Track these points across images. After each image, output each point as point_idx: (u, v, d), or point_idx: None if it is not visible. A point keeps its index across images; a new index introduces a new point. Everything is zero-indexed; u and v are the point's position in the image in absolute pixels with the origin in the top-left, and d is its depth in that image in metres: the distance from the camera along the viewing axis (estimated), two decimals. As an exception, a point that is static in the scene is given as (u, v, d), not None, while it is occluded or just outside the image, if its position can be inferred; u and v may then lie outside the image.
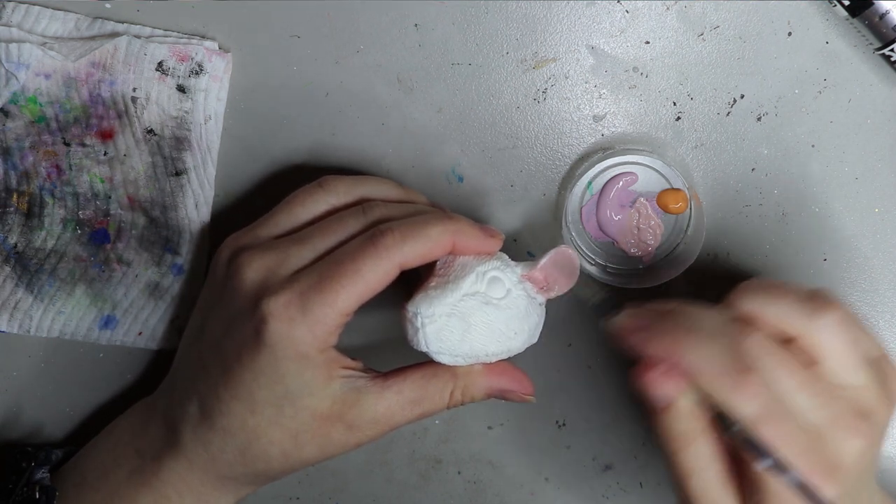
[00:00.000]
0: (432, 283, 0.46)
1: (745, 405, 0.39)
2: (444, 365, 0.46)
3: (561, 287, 0.48)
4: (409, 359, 0.47)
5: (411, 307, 0.45)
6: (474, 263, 0.46)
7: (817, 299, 0.42)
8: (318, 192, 0.48)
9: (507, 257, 0.48)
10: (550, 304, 0.54)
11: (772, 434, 0.39)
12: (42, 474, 0.51)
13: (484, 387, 0.48)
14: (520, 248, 0.55)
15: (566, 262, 0.47)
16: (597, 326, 0.44)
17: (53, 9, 0.52)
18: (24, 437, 0.57)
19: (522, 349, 0.47)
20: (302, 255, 0.45)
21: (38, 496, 0.49)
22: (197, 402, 0.47)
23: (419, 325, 0.45)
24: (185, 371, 0.49)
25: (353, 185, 0.48)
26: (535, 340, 0.48)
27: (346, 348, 0.46)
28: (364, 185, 0.49)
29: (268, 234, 0.48)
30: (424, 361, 0.47)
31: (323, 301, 0.43)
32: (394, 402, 0.46)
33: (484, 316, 0.45)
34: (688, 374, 0.40)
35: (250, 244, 0.47)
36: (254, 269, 0.45)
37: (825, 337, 0.41)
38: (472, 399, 0.48)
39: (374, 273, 0.44)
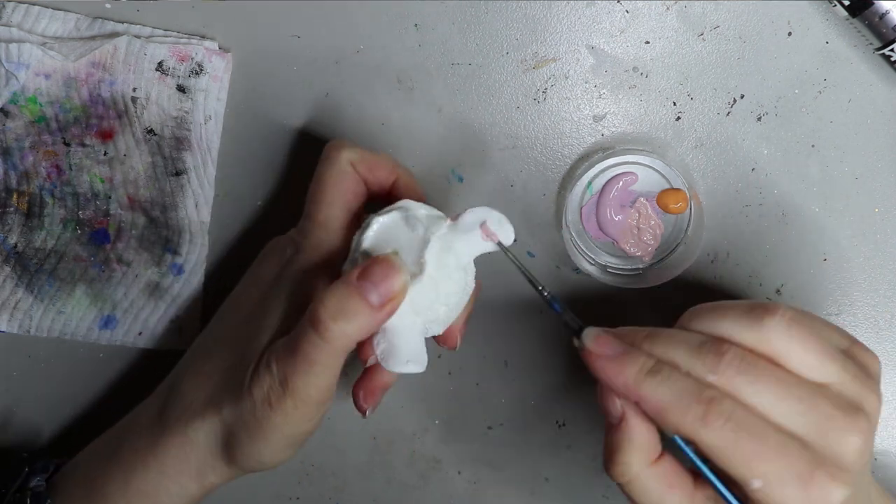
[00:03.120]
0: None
1: (713, 436, 0.39)
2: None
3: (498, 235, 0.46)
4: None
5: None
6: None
7: (759, 307, 0.41)
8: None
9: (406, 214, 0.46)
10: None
11: (752, 453, 0.39)
12: (37, 482, 0.50)
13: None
14: (520, 249, 0.55)
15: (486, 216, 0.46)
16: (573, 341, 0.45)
17: (53, 9, 0.52)
18: (24, 437, 0.57)
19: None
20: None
21: (28, 502, 0.49)
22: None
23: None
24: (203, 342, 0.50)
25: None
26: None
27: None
28: None
29: None
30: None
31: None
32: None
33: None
34: (655, 416, 0.40)
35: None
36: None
37: (776, 340, 0.40)
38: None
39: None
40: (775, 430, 0.39)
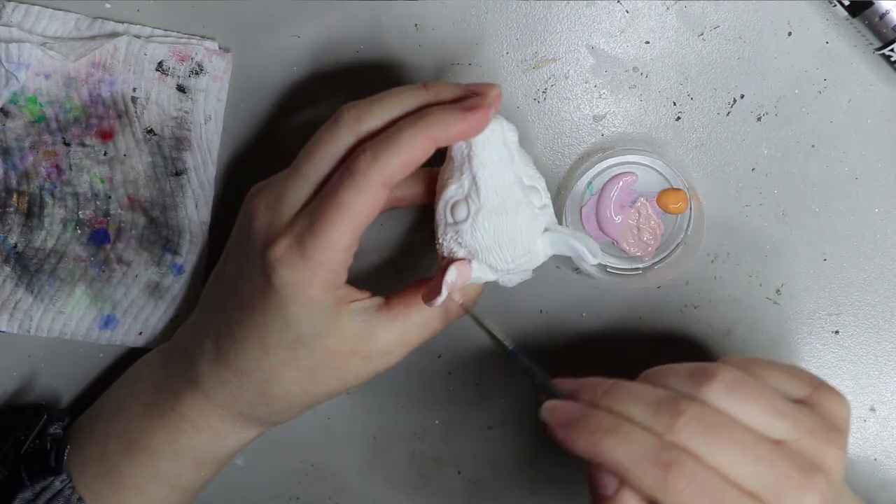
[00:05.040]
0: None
1: (674, 499, 0.38)
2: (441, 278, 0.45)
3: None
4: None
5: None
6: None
7: (700, 372, 0.41)
8: (335, 131, 0.45)
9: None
10: (550, 304, 0.54)
11: None
12: (55, 429, 0.51)
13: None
14: (520, 248, 0.55)
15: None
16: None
17: (53, 9, 0.52)
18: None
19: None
20: (297, 188, 0.44)
21: (49, 447, 0.50)
22: (213, 340, 0.47)
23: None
24: (205, 310, 0.49)
25: (369, 114, 0.45)
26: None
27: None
28: (381, 108, 0.45)
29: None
30: (422, 279, 0.47)
31: (317, 243, 0.43)
32: (404, 329, 0.46)
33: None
34: (617, 474, 0.39)
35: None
36: (262, 213, 0.45)
37: (719, 405, 0.40)
38: (473, 301, 0.47)
39: (358, 203, 0.42)
40: (735, 492, 0.39)
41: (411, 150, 0.42)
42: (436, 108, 0.43)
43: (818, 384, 0.43)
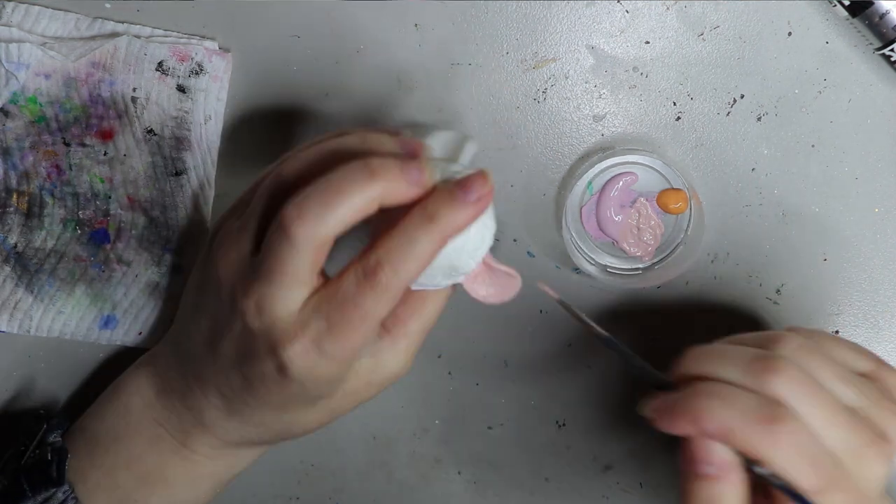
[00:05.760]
0: None
1: (782, 456, 0.39)
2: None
3: (487, 296, 0.46)
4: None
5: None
6: None
7: (760, 362, 0.41)
8: (289, 248, 0.43)
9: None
10: (550, 304, 0.54)
11: (809, 475, 0.39)
12: (54, 437, 0.51)
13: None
14: (520, 248, 0.55)
15: (506, 284, 0.46)
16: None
17: (53, 9, 0.52)
18: (24, 437, 0.57)
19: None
20: (285, 297, 0.43)
21: (49, 457, 0.50)
22: (221, 399, 0.47)
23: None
24: (199, 363, 0.47)
25: (324, 225, 0.42)
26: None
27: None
28: (335, 216, 0.43)
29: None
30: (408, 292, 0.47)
31: (339, 346, 0.43)
32: (407, 344, 0.46)
33: None
34: (721, 437, 0.40)
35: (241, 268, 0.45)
36: (253, 316, 0.43)
37: (784, 397, 0.41)
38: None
39: (380, 311, 0.43)
40: (826, 452, 0.40)
41: (430, 255, 0.43)
42: (443, 206, 0.42)
43: (881, 362, 0.44)
